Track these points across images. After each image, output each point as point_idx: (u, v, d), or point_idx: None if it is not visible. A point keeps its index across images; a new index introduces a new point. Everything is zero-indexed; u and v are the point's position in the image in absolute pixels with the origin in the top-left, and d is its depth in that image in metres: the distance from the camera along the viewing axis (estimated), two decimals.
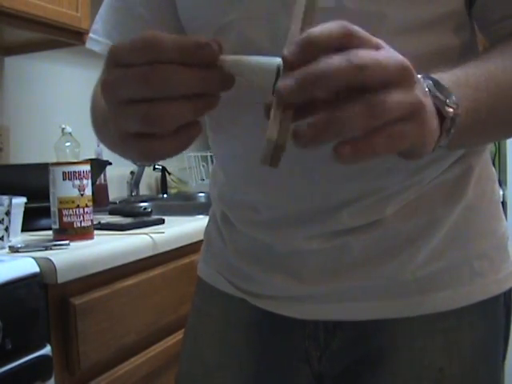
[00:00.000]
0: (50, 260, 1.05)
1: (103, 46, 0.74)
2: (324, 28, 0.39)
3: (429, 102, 0.44)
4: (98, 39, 0.74)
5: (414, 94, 0.42)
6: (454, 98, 0.47)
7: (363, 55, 0.39)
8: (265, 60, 0.43)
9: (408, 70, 0.42)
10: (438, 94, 0.46)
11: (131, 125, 0.45)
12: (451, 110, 0.47)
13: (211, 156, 2.35)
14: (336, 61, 0.39)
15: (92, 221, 1.29)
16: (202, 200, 2.35)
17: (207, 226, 0.82)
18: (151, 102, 0.43)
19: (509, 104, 0.55)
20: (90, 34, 0.75)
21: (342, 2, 0.56)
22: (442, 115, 0.47)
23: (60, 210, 1.24)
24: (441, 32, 0.60)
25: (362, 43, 0.40)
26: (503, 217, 0.71)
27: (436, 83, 0.47)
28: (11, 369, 0.95)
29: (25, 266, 1.03)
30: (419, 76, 0.45)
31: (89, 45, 0.76)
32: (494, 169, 0.72)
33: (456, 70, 0.52)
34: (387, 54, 0.41)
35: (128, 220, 1.52)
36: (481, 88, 0.52)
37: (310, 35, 0.39)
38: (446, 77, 0.49)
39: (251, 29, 0.60)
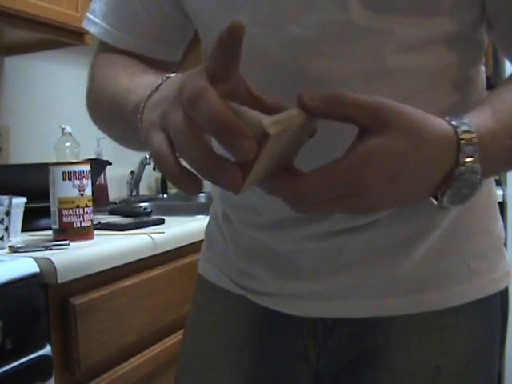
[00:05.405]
0: (50, 260, 1.05)
1: (99, 29, 0.73)
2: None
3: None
4: (95, 20, 0.73)
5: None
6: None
7: None
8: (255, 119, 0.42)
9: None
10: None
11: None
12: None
13: None
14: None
15: (92, 221, 1.29)
16: (202, 200, 2.35)
17: (208, 224, 0.83)
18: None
19: None
20: (88, 14, 0.74)
21: (352, 17, 0.56)
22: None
23: (60, 210, 1.24)
24: (447, 49, 0.60)
25: None
26: (499, 217, 0.72)
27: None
28: (11, 369, 0.96)
29: (25, 266, 1.03)
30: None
31: (85, 25, 0.75)
32: None
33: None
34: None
35: (128, 220, 1.52)
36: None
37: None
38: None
39: (257, 35, 0.59)
